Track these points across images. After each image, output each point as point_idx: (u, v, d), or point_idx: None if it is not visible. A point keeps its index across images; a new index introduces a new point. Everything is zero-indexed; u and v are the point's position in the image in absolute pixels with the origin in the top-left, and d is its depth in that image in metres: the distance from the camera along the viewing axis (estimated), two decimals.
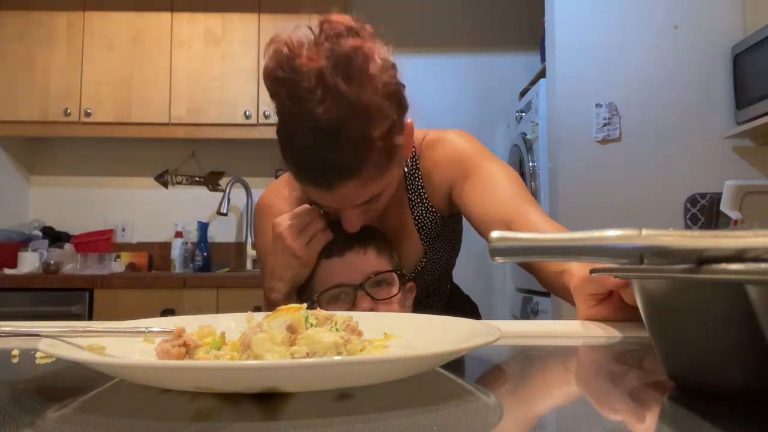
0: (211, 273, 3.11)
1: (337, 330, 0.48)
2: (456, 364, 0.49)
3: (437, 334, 0.53)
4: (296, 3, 3.06)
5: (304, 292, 0.97)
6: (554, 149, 2.58)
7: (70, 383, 0.46)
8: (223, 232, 3.35)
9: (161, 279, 2.76)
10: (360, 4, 3.37)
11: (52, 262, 2.79)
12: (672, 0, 2.54)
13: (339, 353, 0.44)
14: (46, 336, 0.46)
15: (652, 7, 2.55)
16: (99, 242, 3.07)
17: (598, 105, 2.52)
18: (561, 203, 2.52)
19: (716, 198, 2.25)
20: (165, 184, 3.35)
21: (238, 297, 2.68)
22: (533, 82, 3.02)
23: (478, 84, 3.49)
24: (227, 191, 3.17)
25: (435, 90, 3.42)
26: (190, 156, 3.35)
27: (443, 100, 3.42)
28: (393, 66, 0.89)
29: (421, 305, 1.08)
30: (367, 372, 0.38)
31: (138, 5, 3.03)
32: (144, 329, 0.51)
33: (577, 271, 0.80)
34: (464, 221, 1.09)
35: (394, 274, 0.95)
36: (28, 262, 2.84)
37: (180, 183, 3.35)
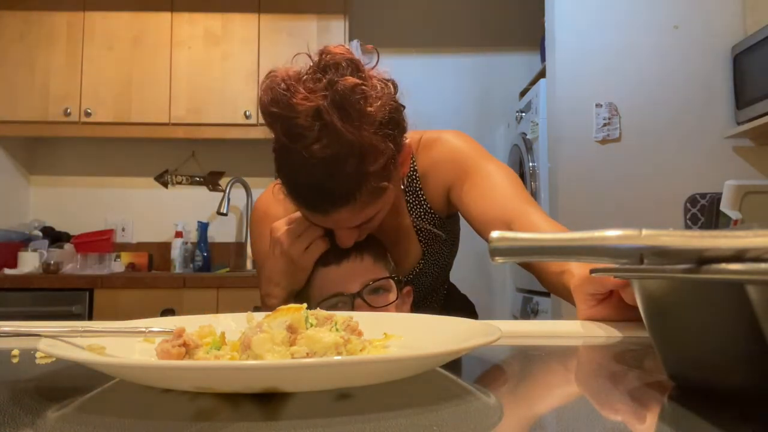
0: (211, 273, 3.11)
1: (337, 330, 0.48)
2: (456, 364, 0.49)
3: (437, 334, 0.53)
4: (296, 3, 3.09)
5: (301, 301, 0.96)
6: (554, 149, 2.58)
7: (70, 383, 0.46)
8: (223, 232, 3.35)
9: (161, 279, 2.76)
10: (360, 5, 3.37)
11: (52, 262, 2.79)
12: (672, 0, 2.54)
13: (339, 353, 0.44)
14: (46, 336, 0.46)
15: (652, 8, 2.55)
16: (99, 242, 3.07)
17: (598, 105, 2.52)
18: (561, 203, 2.52)
19: (716, 198, 2.25)
20: (165, 184, 3.35)
21: (238, 297, 2.68)
22: (533, 82, 3.02)
23: (478, 84, 3.49)
24: (227, 191, 3.17)
25: (435, 90, 3.43)
26: (190, 156, 3.35)
27: (443, 100, 3.43)
28: (393, 89, 0.88)
29: (418, 306, 1.08)
30: (367, 372, 0.38)
31: (138, 5, 3.03)
32: (144, 329, 0.51)
33: (577, 271, 0.80)
34: (462, 222, 1.09)
35: (391, 281, 0.94)
36: (28, 262, 2.84)
37: (180, 183, 3.35)
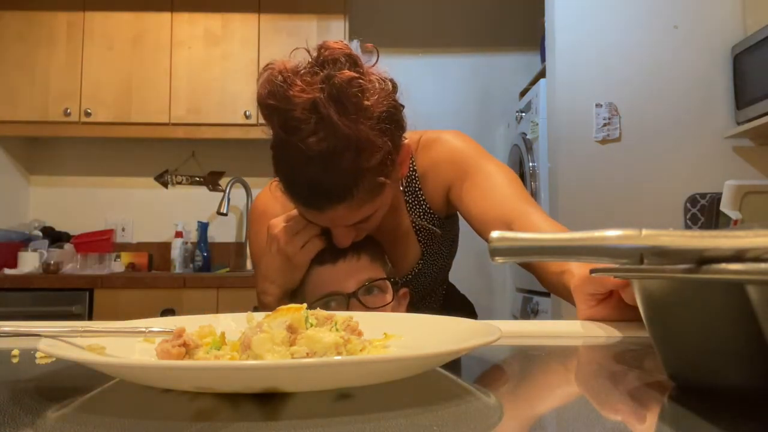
0: (211, 273, 3.11)
1: (337, 330, 0.48)
2: (456, 364, 0.49)
3: (437, 334, 0.53)
4: (296, 3, 3.09)
5: (297, 300, 0.96)
6: (554, 149, 2.58)
7: (70, 383, 0.46)
8: (223, 232, 3.35)
9: (161, 279, 2.76)
10: (360, 5, 3.37)
11: (52, 262, 2.79)
12: (672, 0, 2.54)
13: (339, 353, 0.44)
14: (46, 336, 0.46)
15: (652, 8, 2.54)
16: (99, 242, 3.07)
17: (598, 105, 2.52)
18: (561, 203, 2.52)
19: (716, 198, 2.25)
20: (165, 184, 3.35)
21: (238, 297, 2.68)
22: (533, 82, 3.02)
23: (478, 84, 3.49)
24: (227, 191, 3.17)
25: (435, 90, 3.43)
26: (190, 156, 3.35)
27: (443, 100, 3.43)
28: (392, 87, 0.87)
29: (417, 307, 1.07)
30: (367, 372, 0.38)
31: (138, 5, 3.03)
32: (144, 329, 0.51)
33: (577, 271, 0.80)
34: (462, 222, 1.09)
35: (388, 282, 0.94)
36: (28, 262, 2.84)
37: (180, 183, 3.35)
